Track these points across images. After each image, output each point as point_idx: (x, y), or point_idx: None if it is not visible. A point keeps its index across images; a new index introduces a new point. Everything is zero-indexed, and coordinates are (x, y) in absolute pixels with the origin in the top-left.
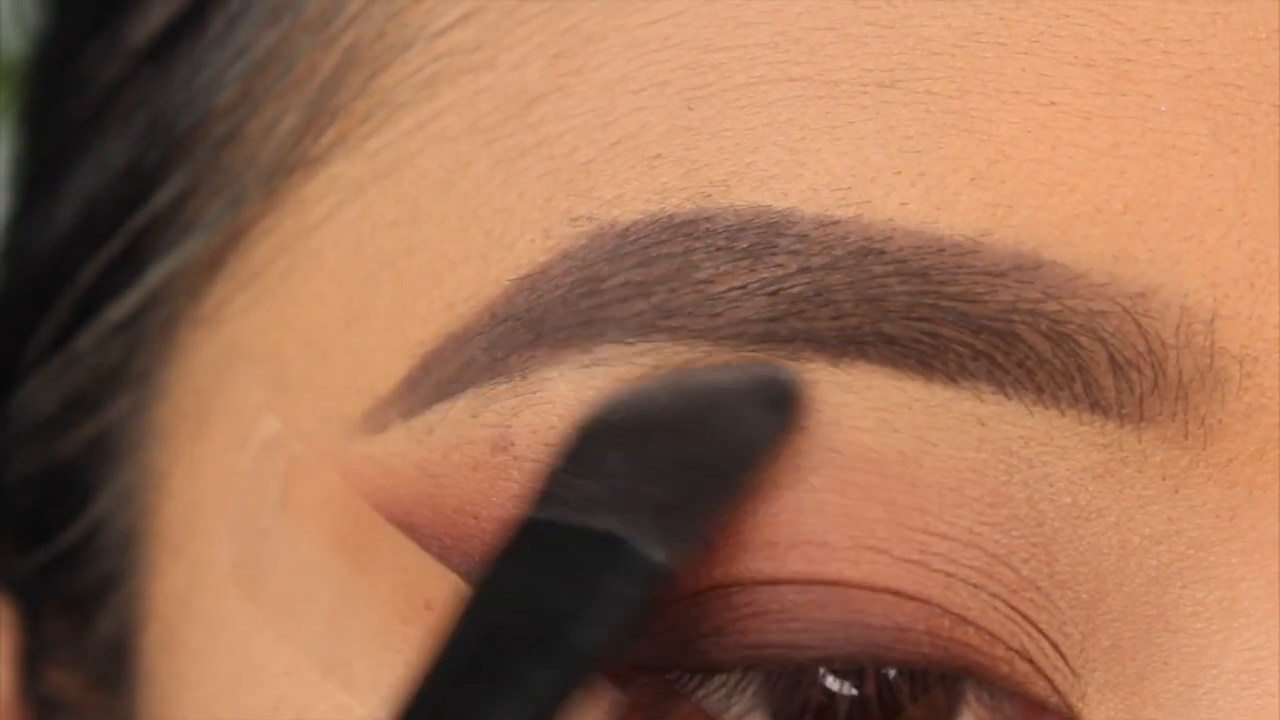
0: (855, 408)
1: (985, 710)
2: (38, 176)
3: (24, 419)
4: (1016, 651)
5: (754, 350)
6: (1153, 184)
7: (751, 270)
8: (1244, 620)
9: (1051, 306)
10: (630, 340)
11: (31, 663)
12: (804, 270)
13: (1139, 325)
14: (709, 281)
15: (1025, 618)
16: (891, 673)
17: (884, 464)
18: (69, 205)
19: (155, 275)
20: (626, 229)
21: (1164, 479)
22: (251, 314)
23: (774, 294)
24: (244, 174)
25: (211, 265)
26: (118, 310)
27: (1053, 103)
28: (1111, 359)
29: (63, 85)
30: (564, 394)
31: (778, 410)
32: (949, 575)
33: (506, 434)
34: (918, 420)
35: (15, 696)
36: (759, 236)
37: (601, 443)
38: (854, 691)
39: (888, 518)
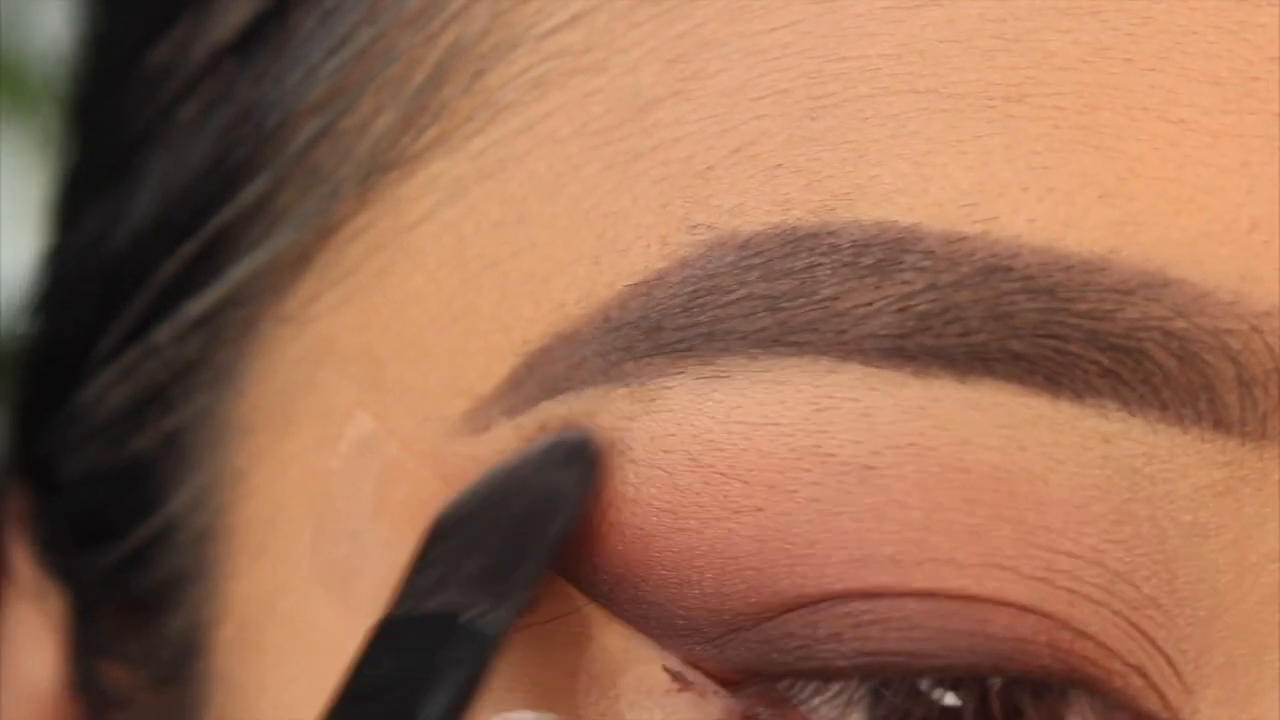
0: (982, 425)
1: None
2: (101, 173)
3: (92, 416)
4: (1133, 667)
5: (879, 367)
6: None
7: (877, 287)
8: None
9: (1179, 324)
10: (754, 353)
11: (86, 657)
12: (931, 287)
13: (1266, 343)
14: (834, 298)
15: (1144, 634)
16: (997, 683)
17: (1012, 482)
18: (145, 201)
19: (240, 271)
20: (748, 240)
21: None
22: (343, 312)
23: (901, 311)
24: (337, 171)
25: (299, 262)
26: (198, 305)
27: (1181, 120)
28: (1239, 376)
29: (127, 81)
30: (684, 404)
31: (571, 466)
32: (1072, 592)
33: (624, 437)
34: (1044, 438)
35: (65, 690)
36: (885, 253)
37: (436, 538)
38: (957, 702)
39: (1015, 536)
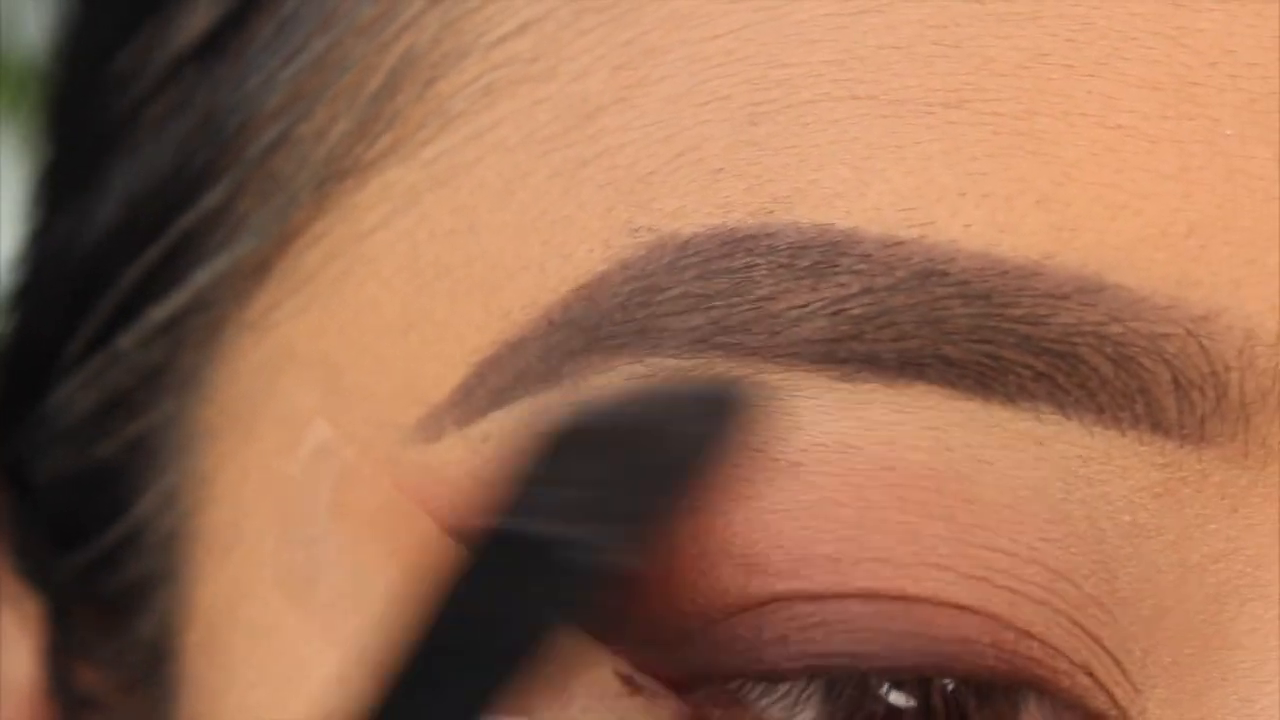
0: (909, 426)
1: None
2: (71, 176)
3: (60, 420)
4: (1079, 666)
5: (810, 370)
6: (1218, 208)
7: (813, 289)
8: None
9: (1115, 329)
10: (684, 354)
11: (60, 659)
12: (866, 291)
13: (1202, 347)
14: (769, 299)
15: (1088, 633)
16: (950, 684)
17: (939, 481)
18: (109, 205)
19: (202, 277)
20: (687, 241)
21: (1223, 498)
22: (302, 319)
23: (835, 314)
24: (295, 178)
25: (260, 269)
26: (161, 311)
27: (1119, 125)
28: (1175, 380)
29: (97, 84)
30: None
31: (726, 419)
32: (1013, 591)
33: None
34: (972, 439)
35: (42, 693)
36: (821, 255)
37: (562, 453)
38: (912, 703)
39: (949, 534)
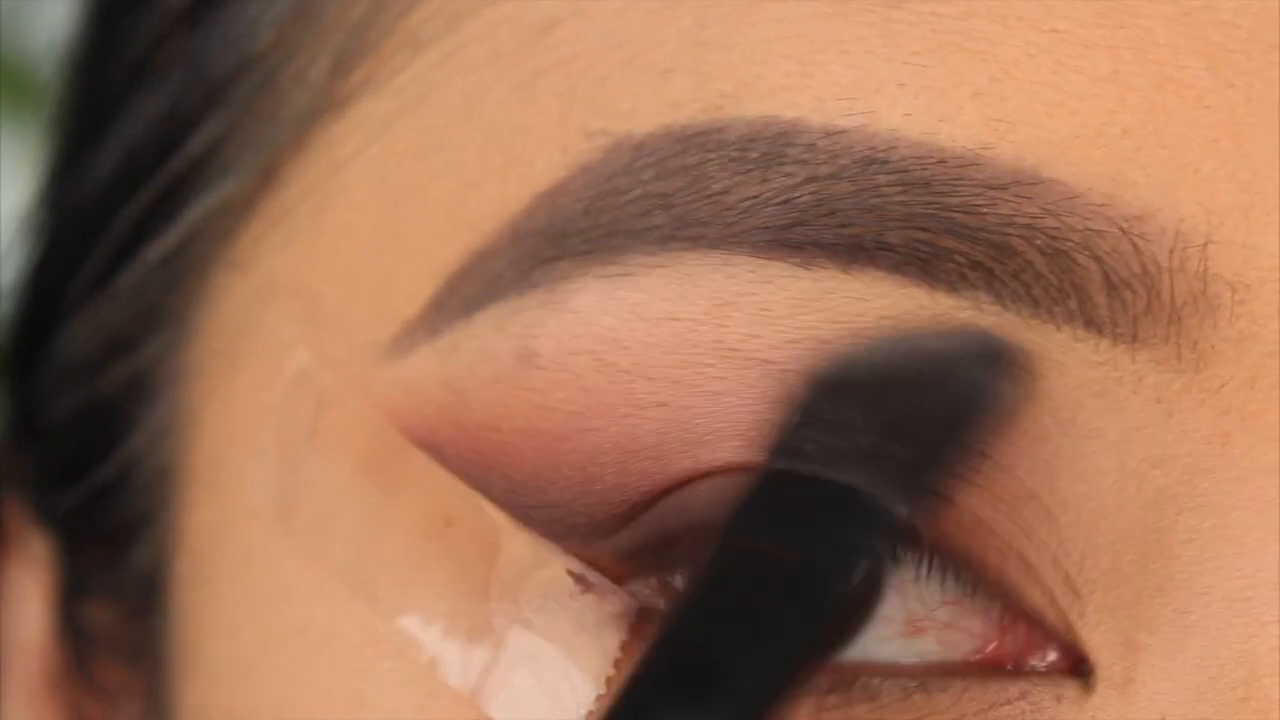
0: (869, 317)
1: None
2: (78, 134)
3: (65, 359)
4: (1014, 550)
5: (768, 258)
6: (1151, 112)
7: (763, 180)
8: (1236, 548)
9: (1049, 223)
10: (651, 251)
11: (70, 600)
12: (811, 179)
13: (1135, 246)
14: (723, 193)
15: (1026, 529)
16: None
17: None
18: (110, 155)
19: (191, 216)
20: (642, 141)
21: (1159, 402)
22: (284, 252)
23: (784, 203)
24: (276, 118)
25: (245, 207)
26: (155, 251)
27: (1054, 29)
28: (1106, 278)
29: (102, 49)
30: (589, 305)
31: (1006, 375)
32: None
33: (531, 345)
34: (923, 328)
35: (51, 637)
36: (769, 146)
37: (838, 398)
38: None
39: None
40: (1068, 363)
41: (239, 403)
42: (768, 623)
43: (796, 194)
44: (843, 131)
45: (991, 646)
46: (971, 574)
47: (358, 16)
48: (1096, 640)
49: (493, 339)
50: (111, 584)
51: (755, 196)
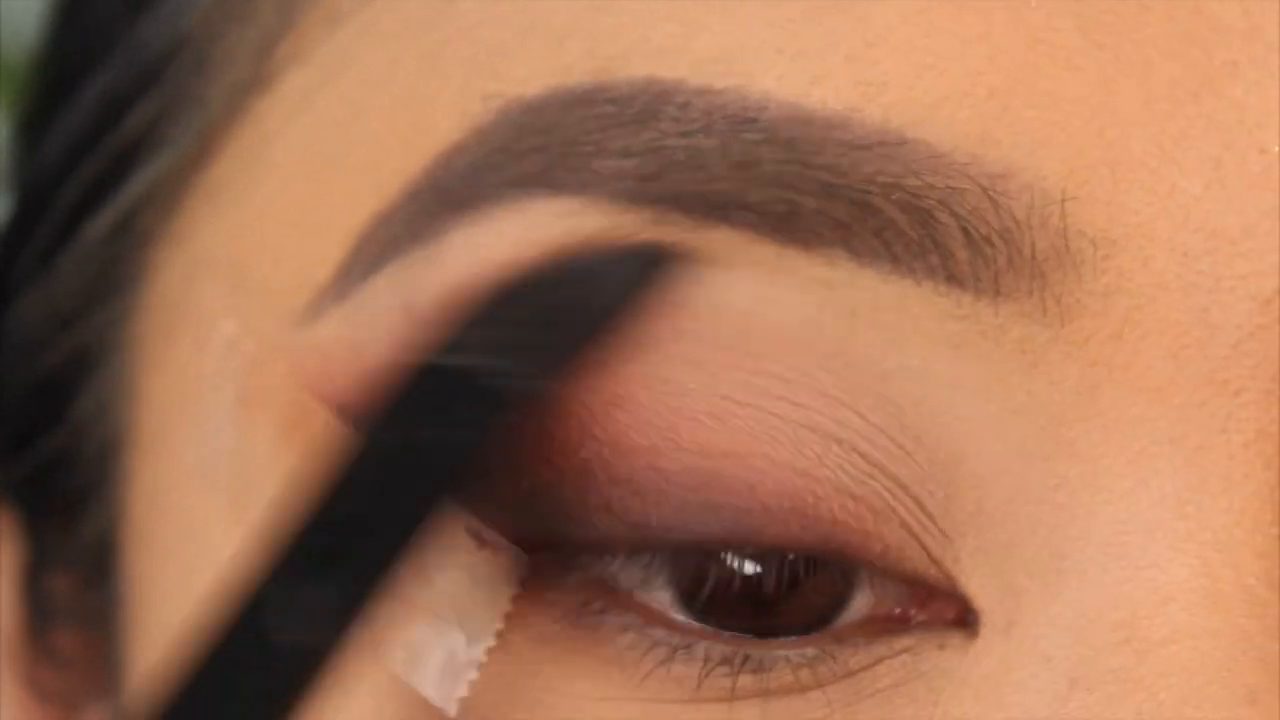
0: (704, 269)
1: (875, 586)
2: (33, 121)
3: (15, 336)
4: (882, 513)
5: (623, 210)
6: (1020, 72)
7: (636, 135)
8: (1107, 495)
9: (912, 182)
10: (514, 198)
11: (33, 572)
12: (682, 135)
13: (994, 203)
14: (596, 146)
15: (882, 471)
16: (791, 556)
17: (720, 316)
18: (57, 137)
19: (129, 192)
20: (529, 103)
21: (1022, 353)
22: (217, 225)
23: (651, 154)
24: (208, 95)
25: (182, 182)
26: (96, 228)
27: None
28: (966, 234)
29: (60, 36)
30: (458, 254)
31: (644, 271)
32: (797, 424)
33: (410, 299)
34: (764, 278)
35: (15, 610)
36: (646, 105)
37: (486, 305)
38: (757, 568)
39: (731, 363)
40: (924, 315)
41: (175, 373)
42: (379, 501)
43: (665, 148)
44: (717, 91)
45: (879, 608)
46: (866, 566)
47: None
48: (976, 586)
49: (386, 298)
50: (67, 554)
51: (624, 150)
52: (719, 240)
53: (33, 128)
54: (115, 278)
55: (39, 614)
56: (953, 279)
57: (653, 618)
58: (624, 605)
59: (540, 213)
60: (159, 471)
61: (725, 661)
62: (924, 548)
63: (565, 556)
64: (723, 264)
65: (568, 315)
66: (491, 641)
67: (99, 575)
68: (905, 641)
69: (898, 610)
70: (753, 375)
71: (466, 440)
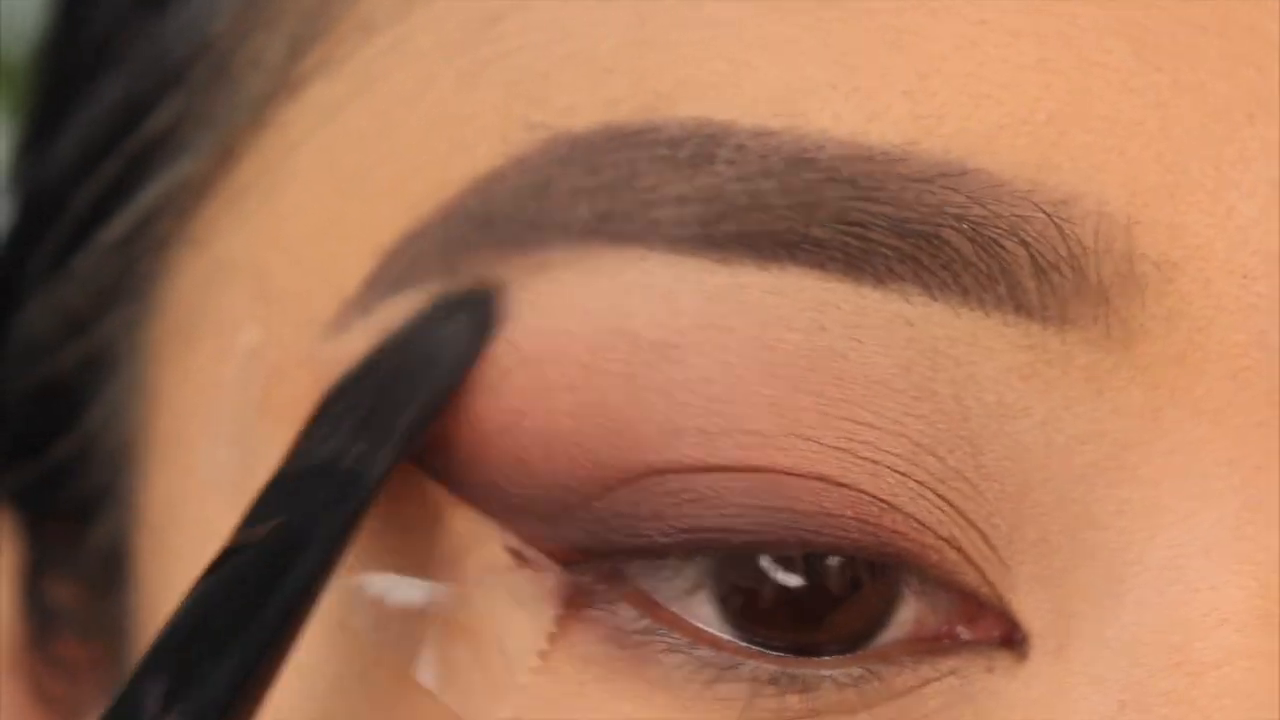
0: (785, 309)
1: (921, 601)
2: (42, 117)
3: (25, 339)
4: (945, 540)
5: (688, 255)
6: (1076, 97)
7: (691, 179)
8: (1167, 518)
9: (976, 211)
10: (572, 244)
11: (33, 577)
12: (740, 178)
13: (1060, 230)
14: (650, 189)
15: (952, 506)
16: (834, 562)
17: (813, 358)
18: (70, 137)
19: (147, 197)
20: (578, 137)
21: (1088, 380)
22: (238, 231)
23: (710, 200)
24: (232, 100)
25: (202, 187)
26: (112, 231)
27: (983, 20)
28: (1034, 262)
29: (68, 34)
30: (516, 296)
31: (455, 319)
32: (875, 463)
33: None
34: (847, 319)
35: (15, 614)
36: (699, 146)
37: (326, 404)
38: (801, 581)
39: (816, 408)
40: (996, 348)
41: (194, 378)
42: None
43: (724, 192)
44: (772, 133)
45: (924, 627)
46: (917, 573)
47: (312, 2)
48: (1029, 609)
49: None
50: (73, 560)
51: (682, 195)
52: (790, 280)
53: (40, 129)
54: (131, 281)
55: (42, 621)
56: (1020, 308)
57: (699, 637)
58: (669, 623)
59: (604, 260)
60: (176, 480)
61: (772, 681)
62: (981, 573)
63: (610, 571)
64: (804, 305)
65: (397, 381)
66: (535, 662)
67: (107, 584)
68: (951, 662)
69: (944, 627)
70: (835, 419)
71: (330, 532)
